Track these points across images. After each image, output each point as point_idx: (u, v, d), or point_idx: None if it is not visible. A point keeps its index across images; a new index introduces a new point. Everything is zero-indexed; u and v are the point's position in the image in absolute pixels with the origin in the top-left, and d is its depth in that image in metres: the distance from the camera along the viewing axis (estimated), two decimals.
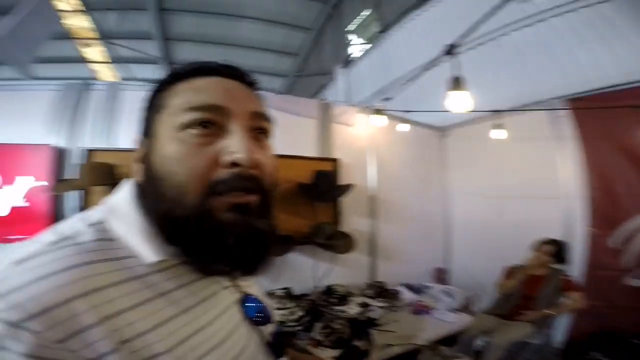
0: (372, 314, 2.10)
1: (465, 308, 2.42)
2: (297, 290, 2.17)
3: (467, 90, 1.72)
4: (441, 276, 2.87)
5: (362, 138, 2.74)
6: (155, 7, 6.18)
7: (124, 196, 0.43)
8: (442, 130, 3.30)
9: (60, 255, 0.33)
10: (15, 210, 1.88)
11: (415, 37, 4.79)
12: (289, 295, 2.04)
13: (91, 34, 6.22)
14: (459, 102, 1.73)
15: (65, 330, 0.28)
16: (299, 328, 1.82)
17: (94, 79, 7.59)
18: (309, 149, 2.47)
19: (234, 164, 0.38)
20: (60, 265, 0.31)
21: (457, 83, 1.72)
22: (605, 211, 2.29)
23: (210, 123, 0.39)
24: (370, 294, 2.32)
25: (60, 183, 1.86)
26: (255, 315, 0.48)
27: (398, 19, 5.12)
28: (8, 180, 1.89)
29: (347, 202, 2.38)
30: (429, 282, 2.68)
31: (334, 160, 2.43)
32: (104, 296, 0.32)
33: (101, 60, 7.20)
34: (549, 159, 2.57)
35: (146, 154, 0.42)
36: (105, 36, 5.31)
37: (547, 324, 2.16)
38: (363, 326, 1.91)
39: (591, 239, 2.33)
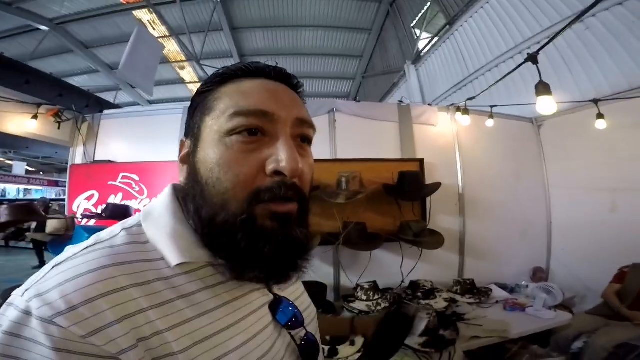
0: (458, 310, 2.09)
1: (564, 307, 2.28)
2: (383, 284, 2.24)
3: (552, 95, 1.75)
4: (540, 276, 2.70)
5: (448, 136, 2.72)
6: (228, 27, 6.85)
7: (161, 200, 0.43)
8: (534, 121, 3.05)
9: (90, 258, 0.35)
10: None
11: (487, 26, 4.52)
12: (374, 288, 2.11)
13: (181, 57, 7.10)
14: (546, 107, 1.76)
15: (88, 327, 0.30)
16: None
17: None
18: (394, 152, 2.54)
19: (278, 172, 0.38)
20: (87, 267, 0.33)
21: (542, 88, 1.74)
22: None
23: (257, 129, 0.39)
24: (458, 290, 2.31)
25: None
26: (286, 319, 0.46)
27: (464, 9, 4.88)
28: (153, 192, 2.33)
29: (435, 200, 2.39)
30: (526, 282, 2.55)
31: (418, 160, 2.47)
32: (126, 296, 0.33)
33: (193, 80, 8.16)
34: None
35: (189, 155, 0.42)
36: (192, 58, 6.01)
37: None
38: (449, 318, 1.92)
39: None
